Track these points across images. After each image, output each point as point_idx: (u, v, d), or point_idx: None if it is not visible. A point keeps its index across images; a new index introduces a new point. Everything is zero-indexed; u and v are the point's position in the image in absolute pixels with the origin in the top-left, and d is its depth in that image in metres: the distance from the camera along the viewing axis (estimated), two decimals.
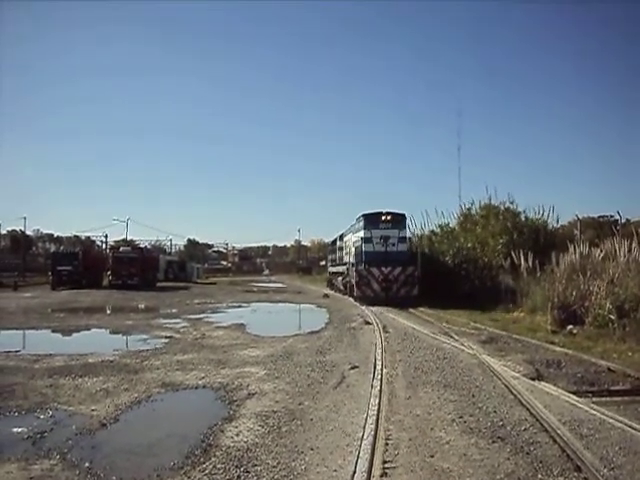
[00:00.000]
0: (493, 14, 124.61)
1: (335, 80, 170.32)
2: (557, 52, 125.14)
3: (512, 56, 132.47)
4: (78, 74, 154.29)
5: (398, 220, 28.66)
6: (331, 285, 44.26)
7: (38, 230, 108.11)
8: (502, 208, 29.64)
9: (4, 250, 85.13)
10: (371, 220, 28.37)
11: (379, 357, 11.74)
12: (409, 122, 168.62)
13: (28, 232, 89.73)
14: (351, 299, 30.29)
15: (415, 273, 27.08)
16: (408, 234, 30.01)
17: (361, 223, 29.00)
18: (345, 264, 34.05)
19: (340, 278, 36.54)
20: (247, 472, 5.44)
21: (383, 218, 28.22)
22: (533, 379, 9.44)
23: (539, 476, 5.23)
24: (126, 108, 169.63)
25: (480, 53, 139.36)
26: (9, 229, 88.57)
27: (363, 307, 25.59)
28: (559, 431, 6.44)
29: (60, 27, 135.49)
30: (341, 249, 38.18)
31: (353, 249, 30.23)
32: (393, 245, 27.72)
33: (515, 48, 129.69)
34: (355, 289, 28.19)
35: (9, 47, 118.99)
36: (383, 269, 26.98)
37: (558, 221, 29.02)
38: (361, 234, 28.50)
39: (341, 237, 38.60)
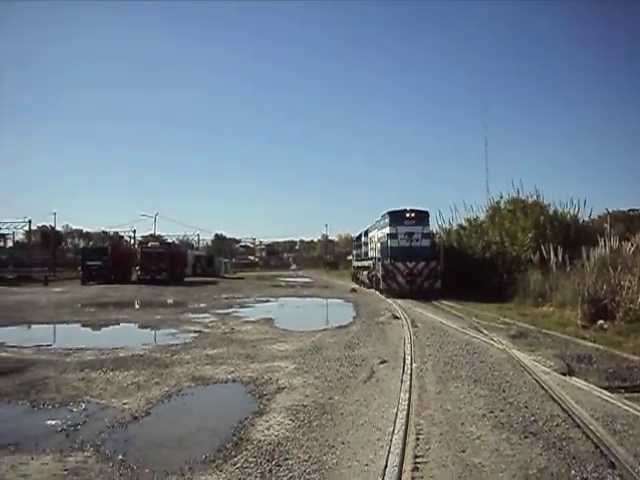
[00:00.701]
0: (517, 12, 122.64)
1: (365, 79, 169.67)
2: (585, 41, 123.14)
3: (540, 47, 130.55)
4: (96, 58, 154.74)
5: (421, 217, 29.69)
6: (356, 279, 45.76)
7: (67, 226, 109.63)
8: (529, 202, 29.40)
9: (35, 245, 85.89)
10: (396, 217, 29.47)
11: (408, 351, 11.68)
12: (435, 121, 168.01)
13: (58, 228, 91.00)
14: (378, 293, 30.69)
15: (438, 267, 28.12)
16: (431, 230, 30.92)
17: (386, 220, 30.13)
18: (370, 259, 35.14)
19: (366, 272, 37.60)
20: (279, 466, 5.46)
21: (407, 215, 29.34)
22: (564, 374, 9.33)
23: (572, 472, 5.16)
24: (155, 98, 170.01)
25: (506, 46, 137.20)
26: (39, 225, 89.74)
27: (390, 301, 25.58)
28: (592, 427, 6.36)
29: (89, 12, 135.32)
30: (366, 244, 39.05)
31: (379, 244, 31.31)
32: (417, 241, 28.74)
33: (543, 39, 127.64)
34: (381, 282, 29.17)
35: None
36: (408, 263, 28.02)
37: (591, 215, 28.71)
38: (387, 230, 29.51)
39: (366, 233, 39.63)
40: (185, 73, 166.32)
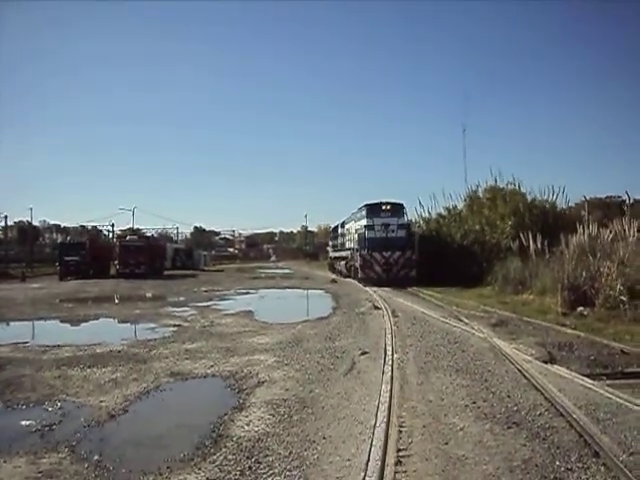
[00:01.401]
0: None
1: (342, 67, 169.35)
2: (563, 32, 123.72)
3: (517, 31, 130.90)
4: (79, 64, 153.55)
5: (397, 209, 31.36)
6: (333, 269, 47.98)
7: (45, 221, 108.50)
8: (507, 190, 29.49)
9: (11, 241, 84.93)
10: (373, 209, 31.15)
11: (389, 342, 11.61)
12: (415, 109, 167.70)
13: (35, 223, 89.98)
14: (357, 283, 31.18)
15: (413, 257, 29.75)
16: (406, 221, 32.05)
17: (363, 212, 31.76)
18: (348, 249, 36.75)
19: (343, 262, 39.19)
20: (258, 463, 5.36)
21: (383, 207, 31.12)
22: (546, 362, 9.30)
23: (557, 463, 5.10)
24: (130, 97, 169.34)
25: (486, 31, 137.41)
26: (16, 220, 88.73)
27: (371, 291, 25.56)
28: (575, 415, 6.32)
29: (62, 19, 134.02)
30: (343, 235, 40.85)
31: (356, 235, 32.57)
32: (393, 232, 30.29)
33: (522, 23, 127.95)
34: (359, 272, 30.85)
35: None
36: (384, 253, 29.69)
37: (568, 202, 28.82)
38: (364, 222, 31.06)
39: (342, 225, 41.53)
40: (164, 70, 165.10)
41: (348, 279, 35.62)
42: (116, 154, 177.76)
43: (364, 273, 30.30)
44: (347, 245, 37.92)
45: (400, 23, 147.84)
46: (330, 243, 53.21)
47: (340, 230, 42.72)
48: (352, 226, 35.39)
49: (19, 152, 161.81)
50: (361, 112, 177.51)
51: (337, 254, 44.65)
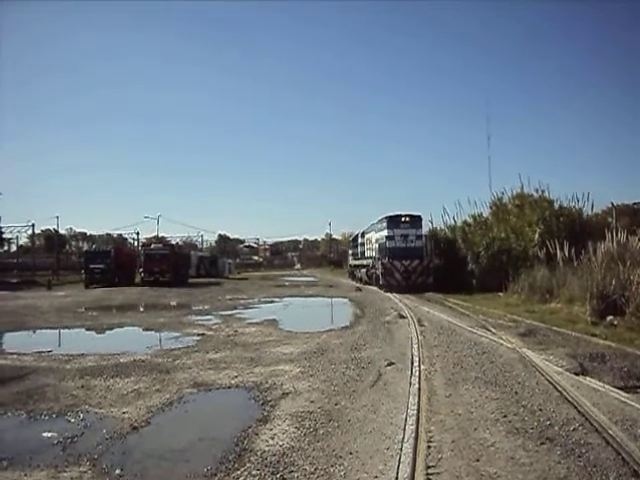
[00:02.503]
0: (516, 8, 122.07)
1: (366, 78, 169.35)
2: (586, 34, 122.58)
3: (542, 43, 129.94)
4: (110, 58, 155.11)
5: (415, 221, 33.38)
6: (352, 276, 50.46)
7: (71, 229, 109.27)
8: (536, 196, 29.17)
9: (38, 249, 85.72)
10: (393, 221, 33.13)
11: (416, 353, 11.42)
12: (438, 118, 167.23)
13: (61, 231, 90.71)
14: (385, 292, 31.05)
15: (430, 265, 32.14)
16: (423, 232, 33.94)
17: (384, 223, 33.58)
18: (369, 258, 38.88)
19: (364, 270, 41.19)
20: (284, 479, 5.21)
21: (403, 219, 33.15)
22: (577, 374, 9.06)
23: None
24: (157, 103, 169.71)
25: (507, 42, 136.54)
26: (43, 228, 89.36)
27: (396, 300, 25.32)
28: (611, 431, 6.09)
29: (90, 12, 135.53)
30: (363, 245, 42.91)
31: (377, 245, 35.10)
32: (411, 242, 32.49)
33: (546, 35, 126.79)
34: (381, 278, 32.98)
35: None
36: (404, 262, 31.79)
37: (593, 208, 28.42)
38: (385, 233, 33.10)
39: (362, 234, 43.65)
40: (190, 73, 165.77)
41: (369, 286, 36.98)
42: (142, 162, 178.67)
43: (385, 280, 32.30)
44: (367, 254, 40.05)
45: (420, 31, 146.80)
46: (350, 252, 55.35)
47: (360, 240, 44.63)
48: (373, 236, 37.33)
49: (46, 162, 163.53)
50: (385, 120, 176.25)
51: (357, 262, 46.69)
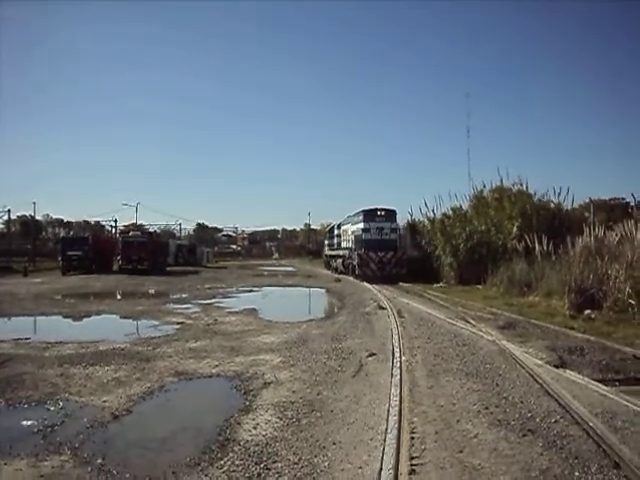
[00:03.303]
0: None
1: (346, 76, 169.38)
2: (566, 32, 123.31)
3: (521, 37, 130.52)
4: (85, 64, 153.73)
5: (390, 215, 35.10)
6: (328, 266, 52.16)
7: (48, 215, 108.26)
8: (515, 190, 29.26)
9: (14, 235, 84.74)
10: (369, 214, 34.65)
11: (396, 343, 11.41)
12: (418, 112, 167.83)
13: (38, 217, 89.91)
14: (365, 284, 31.15)
15: (404, 256, 34.08)
16: (397, 225, 35.80)
17: (361, 216, 35.11)
18: (345, 249, 40.61)
19: (340, 260, 42.77)
20: (267, 469, 5.20)
21: (379, 213, 34.77)
22: (557, 367, 9.09)
23: (576, 474, 4.91)
24: (134, 97, 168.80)
25: (489, 37, 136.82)
26: (19, 214, 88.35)
27: (376, 291, 25.36)
28: (591, 423, 6.12)
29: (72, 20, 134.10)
30: (339, 236, 44.39)
31: (353, 237, 36.63)
32: (386, 234, 34.06)
33: (524, 29, 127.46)
34: (357, 269, 34.42)
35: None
36: (379, 253, 33.33)
37: (573, 203, 28.58)
38: (361, 225, 34.60)
39: (339, 226, 45.10)
40: (167, 72, 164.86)
41: (345, 276, 38.14)
42: (120, 151, 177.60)
43: (361, 270, 33.74)
44: (344, 245, 41.55)
45: (396, 27, 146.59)
46: (326, 242, 56.69)
47: (336, 231, 46.08)
48: (349, 228, 38.89)
49: (23, 147, 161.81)
50: (364, 114, 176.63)
51: (333, 252, 48.39)
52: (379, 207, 35.30)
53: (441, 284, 28.72)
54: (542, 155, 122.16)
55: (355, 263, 35.01)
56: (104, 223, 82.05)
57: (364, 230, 34.11)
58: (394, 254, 33.58)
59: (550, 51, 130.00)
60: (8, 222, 74.83)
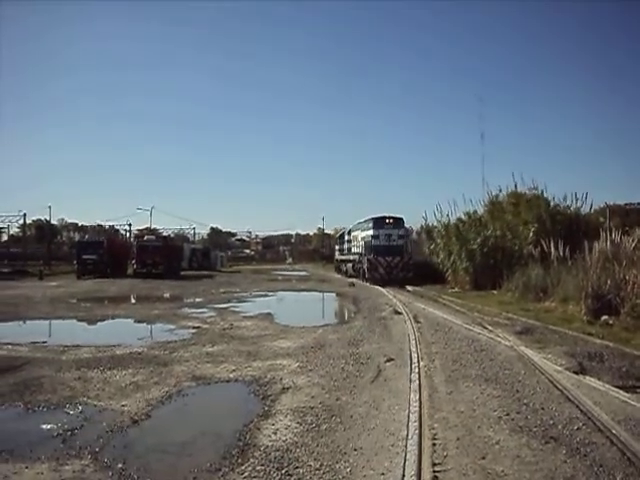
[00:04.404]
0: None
1: (358, 79, 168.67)
2: (579, 36, 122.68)
3: (536, 42, 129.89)
4: (95, 64, 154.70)
5: (397, 222, 37.32)
6: (338, 270, 55.31)
7: (63, 219, 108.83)
8: (531, 195, 29.13)
9: (29, 239, 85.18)
10: (378, 222, 36.95)
11: (414, 349, 11.39)
12: (432, 118, 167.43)
13: (53, 221, 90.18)
14: (380, 288, 31.21)
15: (410, 261, 36.29)
16: (404, 232, 37.92)
17: (370, 224, 37.54)
18: (355, 254, 42.97)
19: (350, 264, 45.50)
20: (289, 475, 5.17)
21: (387, 221, 37.03)
22: (577, 373, 9.04)
23: None
24: (147, 98, 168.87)
25: (500, 41, 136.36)
26: (34, 218, 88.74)
27: (391, 296, 25.31)
28: (614, 431, 6.07)
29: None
30: (349, 242, 47.02)
31: (363, 243, 38.83)
32: (394, 241, 36.24)
33: (540, 34, 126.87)
34: (366, 273, 36.88)
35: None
36: (387, 258, 35.59)
37: (591, 208, 28.45)
38: (370, 232, 36.91)
39: (349, 232, 47.85)
40: (179, 73, 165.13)
41: (357, 280, 39.34)
42: (134, 154, 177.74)
43: (370, 274, 36.02)
44: (354, 250, 43.96)
45: (397, 27, 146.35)
46: (337, 247, 59.96)
47: (347, 237, 48.68)
48: (359, 234, 41.10)
49: (38, 151, 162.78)
50: (379, 119, 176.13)
51: (344, 257, 51.08)
52: (387, 215, 37.60)
53: (456, 289, 28.63)
54: (542, 155, 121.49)
55: (365, 267, 37.28)
56: (118, 227, 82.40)
57: (373, 237, 36.42)
58: (401, 259, 35.80)
59: (550, 51, 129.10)
60: (24, 226, 75.14)
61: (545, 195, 28.73)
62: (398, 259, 35.79)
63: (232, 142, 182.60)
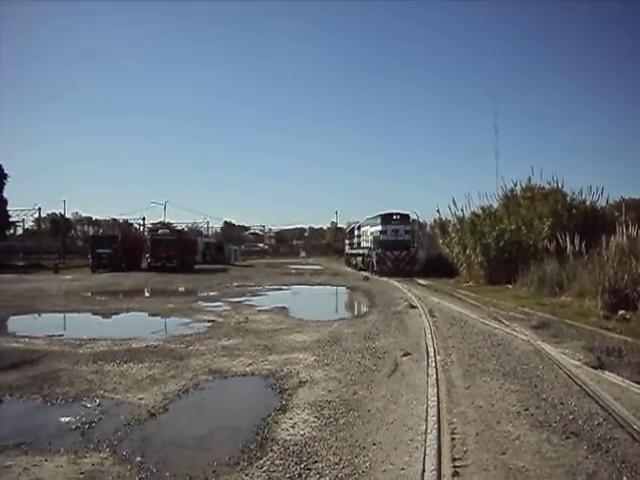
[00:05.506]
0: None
1: (370, 77, 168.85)
2: (596, 28, 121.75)
3: (551, 33, 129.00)
4: (100, 56, 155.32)
5: (404, 218, 39.82)
6: (348, 263, 58.04)
7: (77, 213, 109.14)
8: (548, 188, 28.95)
9: (44, 233, 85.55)
10: (386, 218, 39.38)
11: (430, 343, 11.33)
12: (444, 115, 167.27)
13: (67, 215, 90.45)
14: (395, 283, 31.05)
15: (416, 255, 39.09)
16: (411, 228, 40.06)
17: (378, 220, 39.94)
18: (364, 248, 45.21)
19: (360, 258, 47.75)
20: (308, 469, 5.15)
21: (394, 217, 39.45)
22: (595, 368, 8.95)
23: (624, 479, 4.82)
24: (164, 90, 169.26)
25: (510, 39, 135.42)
26: (49, 212, 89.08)
27: (405, 290, 25.23)
28: (636, 426, 6.00)
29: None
30: (359, 237, 49.11)
31: (372, 237, 40.72)
32: (401, 236, 38.73)
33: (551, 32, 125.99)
34: (375, 266, 38.85)
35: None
36: (395, 252, 38.03)
37: (607, 202, 28.25)
38: (379, 227, 39.31)
39: (358, 227, 50.43)
40: (196, 69, 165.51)
41: (365, 272, 41.06)
42: (148, 147, 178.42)
43: (379, 267, 38.12)
44: (363, 244, 46.12)
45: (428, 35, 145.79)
46: (347, 242, 61.78)
47: (356, 232, 50.87)
48: (368, 229, 43.20)
49: (53, 146, 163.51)
50: (394, 117, 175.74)
51: (354, 251, 53.32)
52: (394, 212, 39.91)
53: (470, 283, 28.48)
54: (544, 155, 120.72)
55: (374, 260, 39.25)
56: (132, 221, 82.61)
57: (382, 232, 38.83)
58: (407, 253, 38.28)
59: (550, 51, 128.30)
60: (39, 220, 75.51)
61: (562, 188, 28.59)
62: (405, 253, 38.13)
63: (247, 137, 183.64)
